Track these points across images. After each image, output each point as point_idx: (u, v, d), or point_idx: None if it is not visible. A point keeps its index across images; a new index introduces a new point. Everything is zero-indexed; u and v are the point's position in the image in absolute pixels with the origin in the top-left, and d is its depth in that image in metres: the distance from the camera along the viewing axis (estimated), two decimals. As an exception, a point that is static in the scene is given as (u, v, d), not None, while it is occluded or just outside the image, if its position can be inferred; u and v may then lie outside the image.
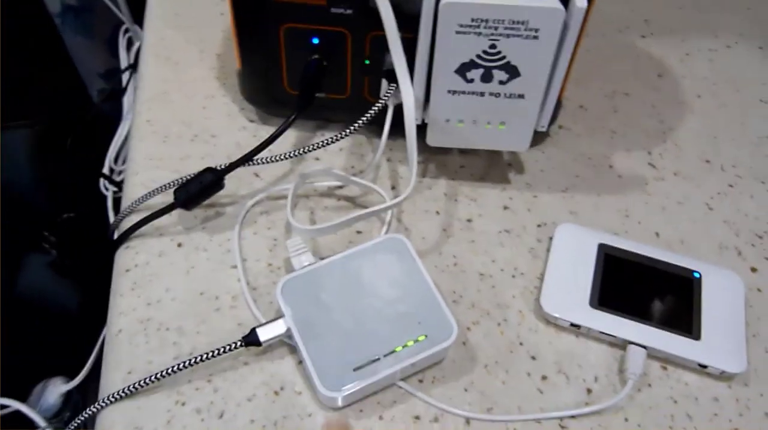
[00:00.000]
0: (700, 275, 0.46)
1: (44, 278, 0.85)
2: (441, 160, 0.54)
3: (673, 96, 0.62)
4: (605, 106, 0.60)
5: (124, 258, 0.46)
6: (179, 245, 0.47)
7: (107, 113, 0.91)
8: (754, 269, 0.49)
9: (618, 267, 0.46)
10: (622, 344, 0.43)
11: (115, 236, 0.48)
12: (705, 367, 0.42)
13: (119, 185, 0.88)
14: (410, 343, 0.39)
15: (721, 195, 0.53)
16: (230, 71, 0.59)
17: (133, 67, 0.88)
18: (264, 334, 0.40)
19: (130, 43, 0.92)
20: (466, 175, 0.53)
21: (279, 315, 0.41)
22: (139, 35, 0.91)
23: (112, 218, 0.85)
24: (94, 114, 0.89)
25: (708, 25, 0.70)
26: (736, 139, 0.58)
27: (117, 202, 0.88)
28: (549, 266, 0.46)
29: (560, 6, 0.40)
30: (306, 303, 0.41)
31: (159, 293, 0.44)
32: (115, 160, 0.89)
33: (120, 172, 0.91)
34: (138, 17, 0.91)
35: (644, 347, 0.42)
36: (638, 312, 0.43)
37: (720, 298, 0.45)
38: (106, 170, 0.88)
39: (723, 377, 0.42)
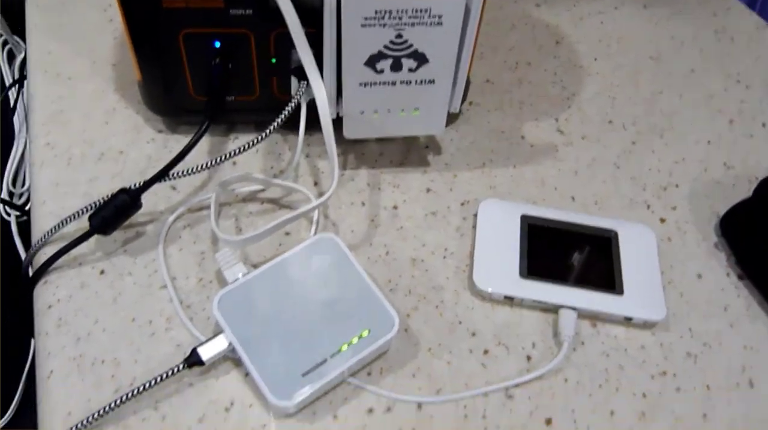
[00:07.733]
0: (616, 232, 0.48)
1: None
2: (359, 149, 0.54)
3: (572, 61, 0.64)
4: (510, 77, 0.62)
5: (44, 295, 0.44)
6: (102, 272, 0.45)
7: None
8: (663, 220, 0.52)
9: (541, 236, 0.48)
10: (554, 309, 0.45)
11: (31, 273, 0.45)
12: (630, 319, 0.45)
13: (21, 209, 0.83)
14: (354, 340, 0.40)
15: (626, 153, 0.56)
16: (129, 80, 0.56)
17: (19, 82, 0.83)
18: (206, 353, 0.39)
19: (11, 56, 0.86)
20: (386, 163, 0.53)
21: (219, 331, 0.40)
22: (20, 47, 0.85)
23: (20, 246, 0.80)
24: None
25: (595, -12, 0.73)
26: (632, 97, 0.61)
27: (22, 226, 0.83)
28: (477, 243, 0.47)
29: (460, -9, 0.40)
30: (245, 315, 0.40)
31: (87, 326, 0.42)
32: (13, 182, 0.84)
33: (21, 195, 0.85)
34: (16, 27, 0.85)
35: (574, 308, 0.44)
36: (565, 276, 0.46)
37: (636, 252, 0.48)
38: (4, 194, 0.82)
39: (647, 325, 0.45)
